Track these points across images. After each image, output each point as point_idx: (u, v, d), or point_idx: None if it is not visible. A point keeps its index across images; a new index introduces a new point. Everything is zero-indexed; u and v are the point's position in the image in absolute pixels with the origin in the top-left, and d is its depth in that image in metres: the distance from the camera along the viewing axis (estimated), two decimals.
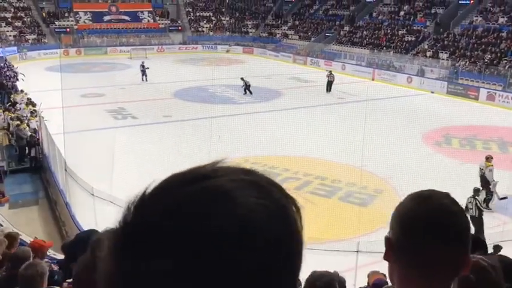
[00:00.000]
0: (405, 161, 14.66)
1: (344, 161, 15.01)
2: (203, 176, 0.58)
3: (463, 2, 38.93)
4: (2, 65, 30.47)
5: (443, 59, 33.70)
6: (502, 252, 6.15)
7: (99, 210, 10.68)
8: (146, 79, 30.94)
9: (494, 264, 1.75)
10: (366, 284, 5.75)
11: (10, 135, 18.05)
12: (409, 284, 1.07)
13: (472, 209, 10.82)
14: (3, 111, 20.08)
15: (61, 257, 6.25)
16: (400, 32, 39.98)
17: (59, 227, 12.29)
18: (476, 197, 11.05)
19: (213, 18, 55.27)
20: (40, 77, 30.40)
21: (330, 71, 29.42)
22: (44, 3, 49.72)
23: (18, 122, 17.73)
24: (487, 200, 12.32)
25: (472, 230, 10.23)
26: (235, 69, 34.10)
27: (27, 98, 22.57)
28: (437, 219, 1.06)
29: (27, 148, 16.79)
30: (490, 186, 12.61)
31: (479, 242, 3.42)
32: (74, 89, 24.76)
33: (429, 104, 25.26)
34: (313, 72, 35.43)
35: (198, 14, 55.38)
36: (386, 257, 1.10)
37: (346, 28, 44.90)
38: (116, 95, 24.35)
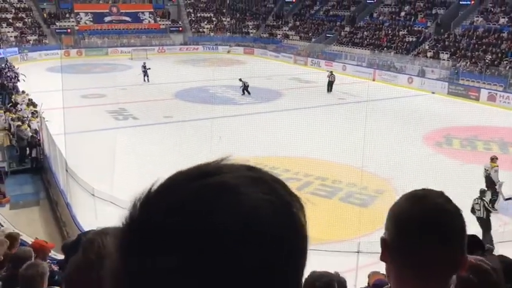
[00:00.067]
0: (406, 162, 14.65)
1: (344, 161, 15.00)
2: (208, 173, 0.58)
3: (463, 2, 38.90)
4: (3, 65, 30.46)
5: (444, 60, 33.67)
6: (501, 253, 6.14)
7: (100, 210, 10.72)
8: (148, 80, 30.89)
9: (495, 265, 1.76)
10: (367, 285, 5.75)
11: (11, 136, 18.08)
12: (405, 284, 1.06)
13: (479, 210, 10.66)
14: (4, 112, 20.11)
15: (61, 257, 6.25)
16: (400, 32, 39.95)
17: (60, 228, 12.30)
18: (483, 198, 10.92)
19: (213, 19, 55.27)
20: (41, 78, 30.42)
21: (331, 72, 29.42)
22: (44, 4, 49.73)
23: (19, 123, 17.75)
24: (493, 201, 12.16)
25: (480, 231, 10.23)
26: (236, 70, 34.05)
27: (28, 99, 22.58)
28: (432, 219, 1.05)
29: (28, 149, 16.79)
30: (496, 187, 12.51)
31: (476, 242, 3.41)
32: (75, 90, 24.82)
33: (430, 105, 25.23)
34: (314, 72, 35.37)
35: (198, 15, 55.37)
36: (382, 257, 1.10)
37: (347, 29, 44.89)
38: (116, 96, 24.38)
